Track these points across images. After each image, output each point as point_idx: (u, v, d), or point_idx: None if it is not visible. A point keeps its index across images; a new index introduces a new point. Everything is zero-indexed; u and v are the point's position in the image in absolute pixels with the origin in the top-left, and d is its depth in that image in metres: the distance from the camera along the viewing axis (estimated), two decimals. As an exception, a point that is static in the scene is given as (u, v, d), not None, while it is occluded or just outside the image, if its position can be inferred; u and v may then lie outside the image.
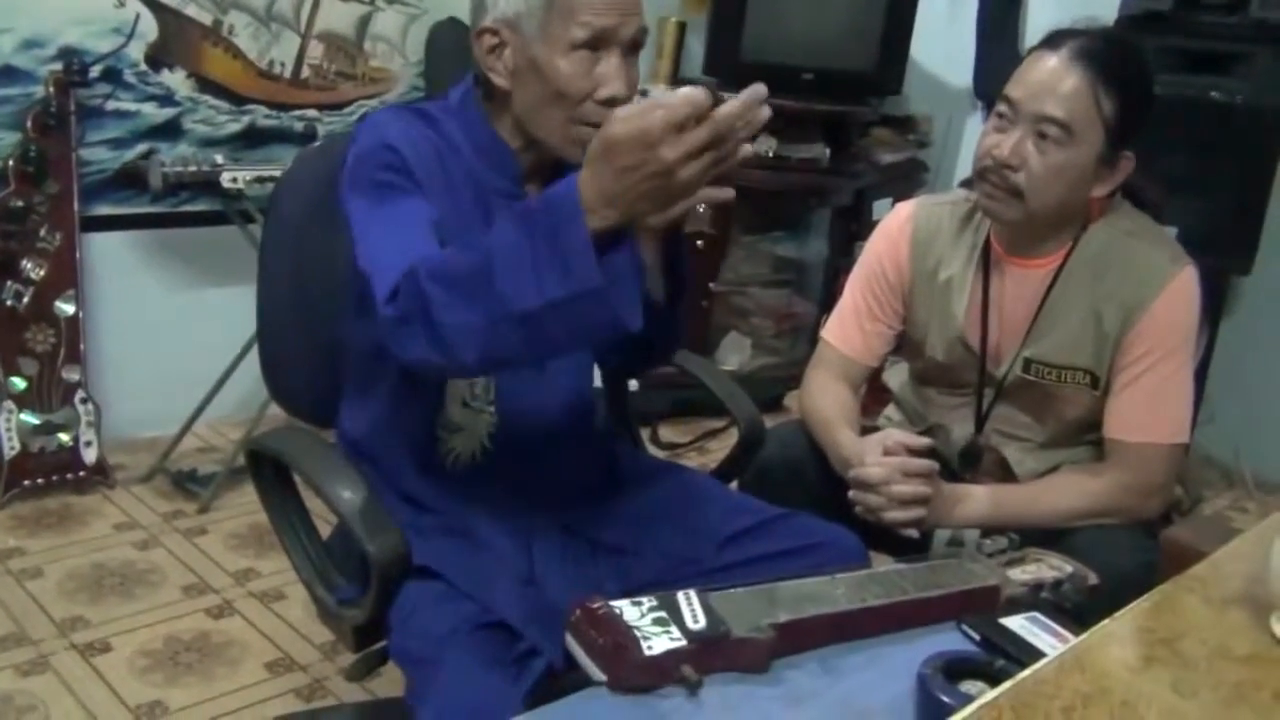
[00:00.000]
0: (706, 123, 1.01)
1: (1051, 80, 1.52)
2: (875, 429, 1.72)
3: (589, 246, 1.04)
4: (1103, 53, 1.52)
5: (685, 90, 1.01)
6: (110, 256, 2.82)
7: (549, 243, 1.05)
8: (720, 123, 1.01)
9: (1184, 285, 1.57)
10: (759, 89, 1.02)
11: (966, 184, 1.72)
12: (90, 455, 2.70)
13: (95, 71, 2.68)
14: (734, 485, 1.71)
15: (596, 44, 1.28)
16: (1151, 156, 1.63)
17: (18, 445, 2.60)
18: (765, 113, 1.07)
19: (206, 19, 2.85)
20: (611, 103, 1.26)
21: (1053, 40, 1.56)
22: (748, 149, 1.21)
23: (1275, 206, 2.86)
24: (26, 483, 2.62)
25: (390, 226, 1.24)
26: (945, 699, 1.02)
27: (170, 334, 2.93)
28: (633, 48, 1.31)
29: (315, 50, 3.06)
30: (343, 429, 1.52)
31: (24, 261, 2.59)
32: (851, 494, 1.58)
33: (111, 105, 2.75)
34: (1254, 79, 2.79)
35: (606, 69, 1.28)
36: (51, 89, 2.58)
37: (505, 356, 1.15)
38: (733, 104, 1.02)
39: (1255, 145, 2.81)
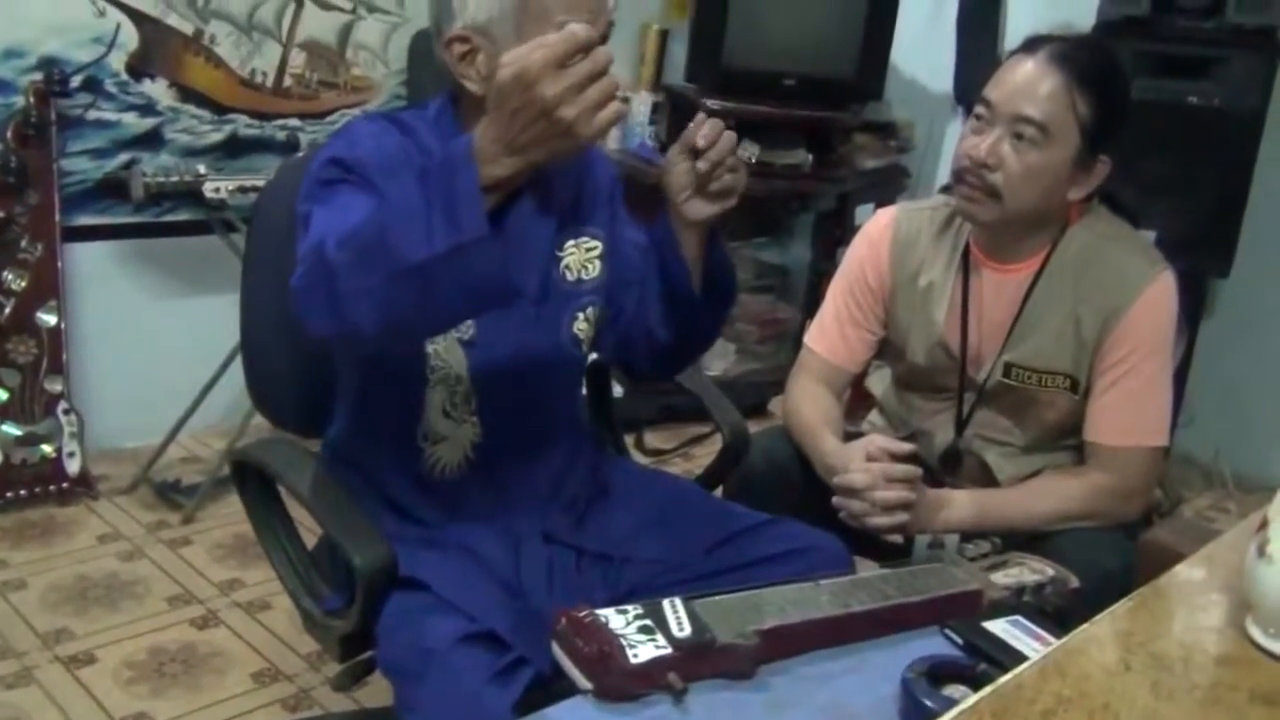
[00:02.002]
0: (588, 57, 1.03)
1: (1029, 82, 1.54)
2: (859, 434, 1.73)
3: (478, 195, 1.04)
4: (1080, 56, 1.54)
5: (568, 28, 1.04)
6: (92, 267, 2.82)
7: (442, 193, 1.05)
8: (600, 56, 1.03)
9: (1162, 289, 1.59)
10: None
11: (947, 189, 1.74)
12: (73, 466, 2.69)
13: (76, 81, 2.67)
14: (719, 492, 1.72)
15: None
16: (1130, 160, 1.65)
17: (0, 457, 2.59)
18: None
19: (188, 28, 2.85)
20: None
21: (1030, 45, 1.58)
22: (701, 116, 1.27)
23: (1253, 209, 2.88)
24: (9, 494, 2.61)
25: (325, 211, 1.23)
26: (928, 703, 1.03)
27: (153, 344, 2.92)
28: (601, 42, 1.33)
29: (297, 59, 3.06)
30: (328, 437, 1.52)
31: (5, 272, 2.58)
32: (835, 500, 1.58)
33: (92, 115, 2.74)
34: (1230, 83, 2.82)
35: None
36: (31, 99, 2.58)
37: (404, 321, 1.12)
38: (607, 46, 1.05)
39: (1232, 148, 2.83)
